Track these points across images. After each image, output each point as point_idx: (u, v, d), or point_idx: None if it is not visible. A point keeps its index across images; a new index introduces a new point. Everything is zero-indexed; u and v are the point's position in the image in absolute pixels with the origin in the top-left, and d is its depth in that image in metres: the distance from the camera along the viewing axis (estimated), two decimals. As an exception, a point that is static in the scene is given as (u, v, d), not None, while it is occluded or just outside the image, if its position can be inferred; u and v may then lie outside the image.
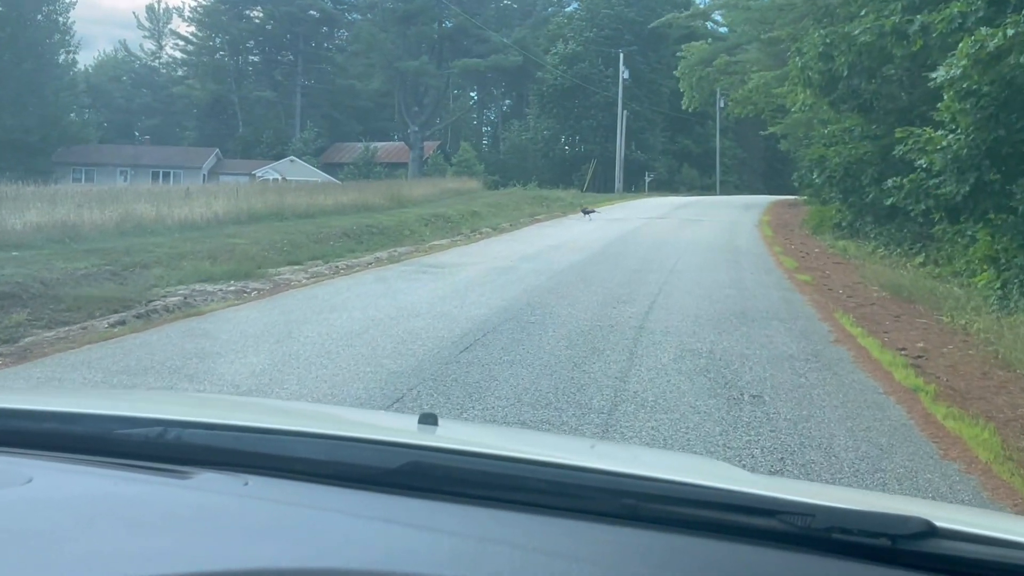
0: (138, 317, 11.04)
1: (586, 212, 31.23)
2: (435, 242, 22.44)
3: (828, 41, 17.83)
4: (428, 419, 1.91)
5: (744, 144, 74.10)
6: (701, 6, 51.89)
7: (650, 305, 11.59)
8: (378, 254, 18.98)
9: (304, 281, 14.47)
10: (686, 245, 21.34)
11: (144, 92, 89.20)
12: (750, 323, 10.42)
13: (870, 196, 21.14)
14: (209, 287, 13.46)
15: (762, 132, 48.87)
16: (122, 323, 10.66)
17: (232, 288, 13.37)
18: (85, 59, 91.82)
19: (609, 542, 1.32)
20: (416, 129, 63.07)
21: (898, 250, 19.43)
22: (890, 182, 14.36)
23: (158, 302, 12.12)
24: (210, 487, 1.45)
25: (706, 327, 10.01)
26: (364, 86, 65.66)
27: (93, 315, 11.13)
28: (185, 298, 12.44)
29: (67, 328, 10.30)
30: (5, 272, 12.46)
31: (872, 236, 21.75)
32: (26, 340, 9.34)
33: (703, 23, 69.82)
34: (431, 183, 42.76)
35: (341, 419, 2.47)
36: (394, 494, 1.44)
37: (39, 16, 59.18)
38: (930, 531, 1.24)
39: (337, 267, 16.59)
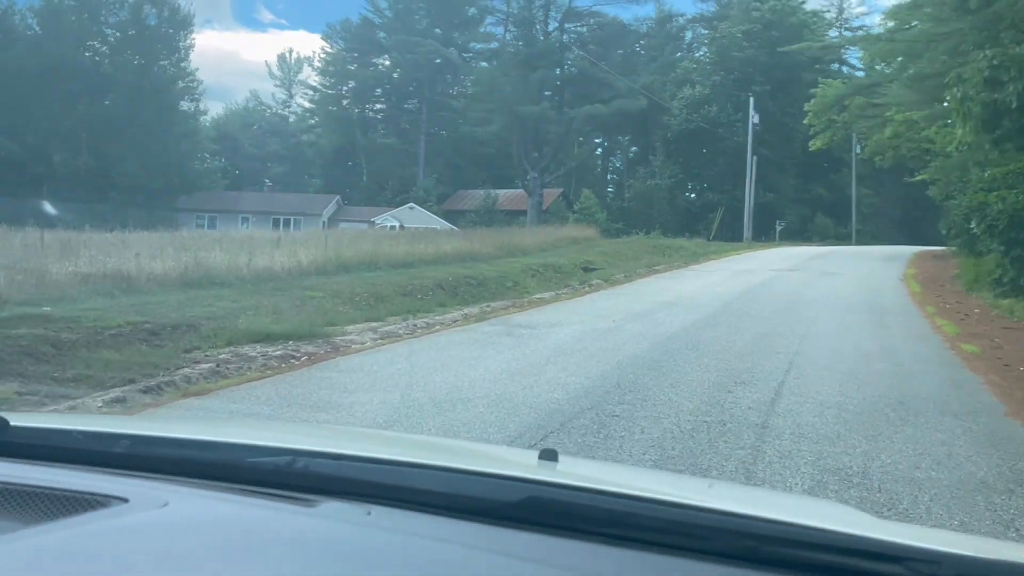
0: (145, 391, 9.13)
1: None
2: (537, 295, 20.23)
3: (996, 63, 14.99)
4: (548, 454, 1.92)
5: (881, 191, 70.32)
6: (834, 39, 48.72)
7: (777, 388, 9.03)
8: (468, 310, 16.85)
9: (368, 343, 12.41)
10: (822, 303, 18.55)
11: (273, 140, 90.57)
12: (914, 419, 7.76)
13: (1042, 248, 18.11)
14: (258, 349, 11.53)
15: (907, 179, 45.33)
16: (121, 400, 8.75)
17: (279, 352, 11.36)
18: (220, 109, 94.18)
19: None
20: (535, 175, 61.27)
21: (1077, 312, 16.34)
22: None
23: (186, 370, 10.22)
24: (334, 516, 1.48)
25: (854, 426, 7.40)
26: (485, 131, 64.41)
27: (103, 385, 9.30)
28: (218, 365, 10.50)
29: (54, 406, 8.44)
30: (16, 332, 10.71)
31: (1043, 294, 18.61)
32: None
33: (838, 67, 66.79)
34: (546, 231, 40.75)
35: (462, 452, 2.48)
36: (513, 528, 1.45)
37: (165, 63, 59.90)
38: None
39: (415, 325, 14.50)
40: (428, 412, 7.53)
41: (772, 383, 9.31)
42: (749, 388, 8.99)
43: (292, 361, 10.93)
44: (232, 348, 11.58)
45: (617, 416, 7.49)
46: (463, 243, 29.50)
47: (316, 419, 7.38)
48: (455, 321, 15.21)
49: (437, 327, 14.39)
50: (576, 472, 2.07)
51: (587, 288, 22.38)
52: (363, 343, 12.43)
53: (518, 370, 9.78)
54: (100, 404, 8.50)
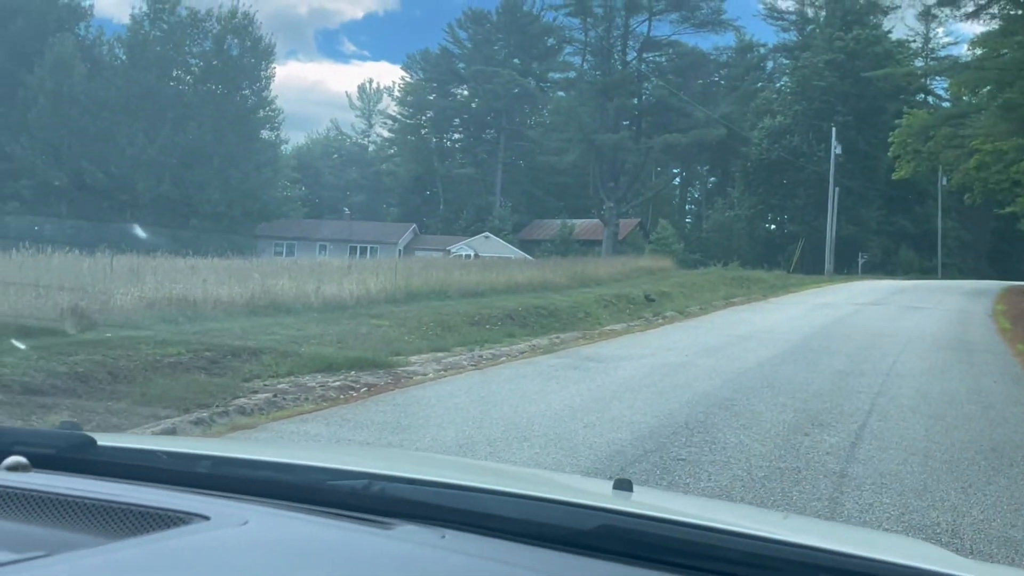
0: (196, 423, 8.90)
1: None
2: (609, 327, 19.75)
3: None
4: (623, 484, 1.94)
5: (968, 224, 68.28)
6: (919, 67, 47.67)
7: (858, 432, 8.44)
8: (536, 341, 16.44)
9: (430, 375, 12.09)
10: (906, 339, 17.75)
11: (353, 169, 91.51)
12: (1008, 469, 7.14)
13: None
14: (318, 379, 11.27)
15: (995, 211, 43.90)
16: (171, 431, 8.52)
17: (338, 383, 11.07)
18: (303, 138, 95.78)
19: None
20: (612, 205, 60.75)
21: None
22: None
23: (242, 400, 10.00)
24: (410, 538, 1.50)
25: (942, 476, 6.81)
26: (562, 160, 64.19)
27: (156, 415, 9.09)
28: (275, 395, 10.25)
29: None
30: (73, 359, 10.58)
31: None
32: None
33: (923, 97, 65.30)
34: (621, 261, 40.24)
35: (536, 480, 2.60)
36: (586, 556, 1.45)
37: (247, 92, 60.93)
38: None
39: (480, 357, 14.14)
40: (481, 452, 7.13)
41: (852, 426, 8.73)
42: (827, 431, 8.43)
43: (351, 393, 10.65)
44: (292, 377, 11.34)
45: (683, 461, 6.99)
46: (536, 272, 29.10)
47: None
48: (522, 352, 14.83)
49: (503, 359, 14.02)
50: (650, 502, 2.08)
51: (661, 320, 21.84)
52: (425, 374, 12.12)
53: (581, 406, 9.34)
54: (151, 435, 8.28)
